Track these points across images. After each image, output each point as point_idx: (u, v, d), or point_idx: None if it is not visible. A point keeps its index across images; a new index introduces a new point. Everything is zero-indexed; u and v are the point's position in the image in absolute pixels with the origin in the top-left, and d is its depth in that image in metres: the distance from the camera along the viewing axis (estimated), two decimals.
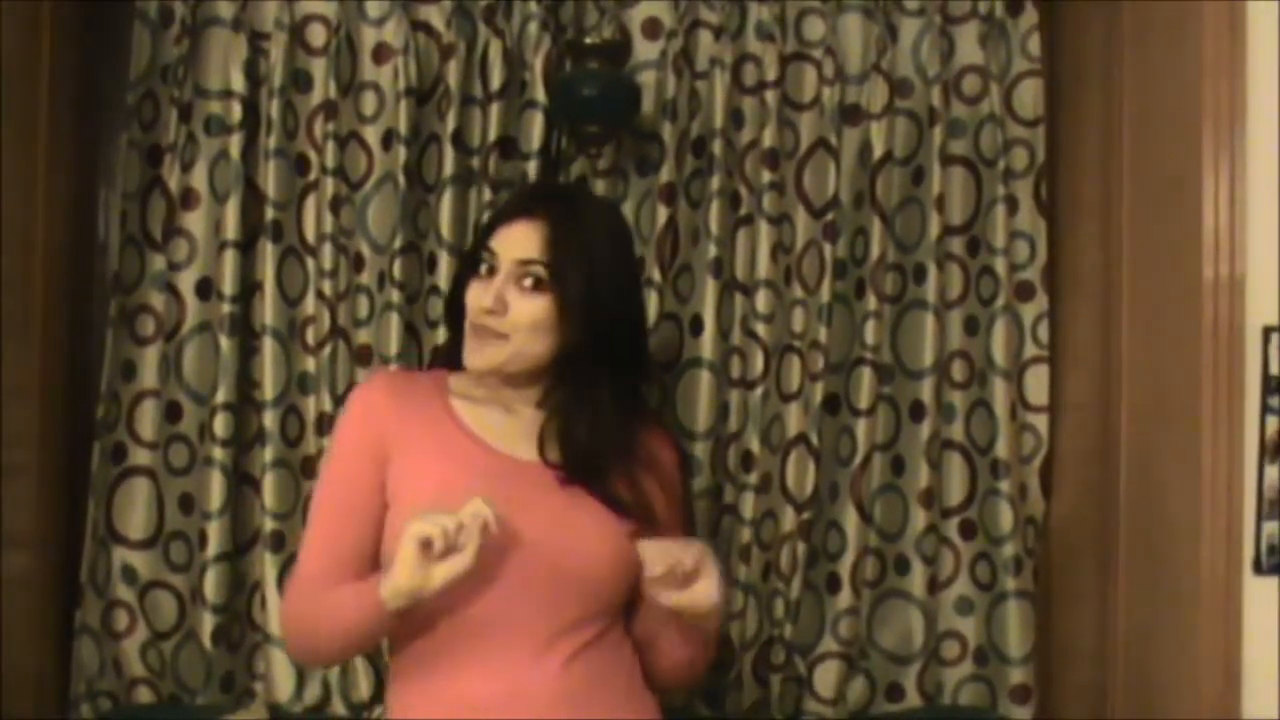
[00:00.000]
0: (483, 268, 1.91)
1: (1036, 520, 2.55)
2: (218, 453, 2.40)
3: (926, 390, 2.51)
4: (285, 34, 2.44)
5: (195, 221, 2.47)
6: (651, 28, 2.53)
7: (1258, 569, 2.03)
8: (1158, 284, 2.22)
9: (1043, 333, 2.55)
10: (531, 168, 2.45)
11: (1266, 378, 2.02)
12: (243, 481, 2.46)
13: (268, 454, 2.42)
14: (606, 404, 1.92)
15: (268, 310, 2.43)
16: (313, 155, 2.47)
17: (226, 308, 2.41)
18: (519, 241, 1.89)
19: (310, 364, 2.46)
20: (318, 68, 2.47)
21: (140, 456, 2.44)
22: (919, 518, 2.51)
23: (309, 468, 2.44)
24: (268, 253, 2.43)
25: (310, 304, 2.46)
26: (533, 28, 2.48)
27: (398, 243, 2.42)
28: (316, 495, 1.97)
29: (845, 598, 2.49)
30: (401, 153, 2.42)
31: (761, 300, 2.47)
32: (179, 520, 2.46)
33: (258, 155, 2.45)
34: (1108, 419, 2.38)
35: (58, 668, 2.42)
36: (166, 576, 2.45)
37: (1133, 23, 2.32)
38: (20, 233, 2.24)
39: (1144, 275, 2.28)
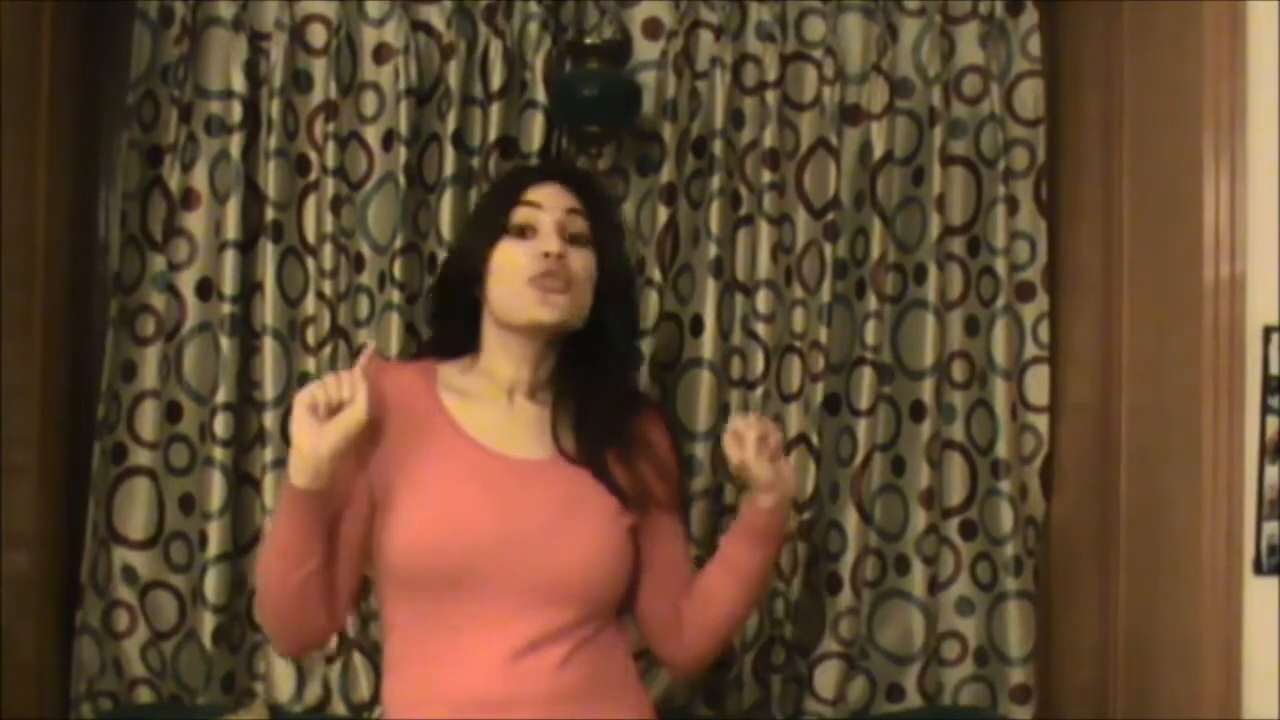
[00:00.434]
0: (520, 227, 1.88)
1: (1037, 520, 2.55)
2: (218, 453, 2.40)
3: (927, 390, 2.51)
4: (286, 34, 2.44)
5: (196, 222, 2.47)
6: (652, 28, 2.54)
7: (1258, 569, 2.03)
8: (1158, 284, 2.22)
9: (1043, 333, 2.55)
10: None
11: (1267, 377, 2.02)
12: (243, 482, 2.46)
13: (268, 454, 2.42)
14: (618, 385, 1.95)
15: (268, 310, 2.44)
16: (313, 155, 2.47)
17: (227, 308, 2.41)
18: (557, 195, 1.90)
19: (311, 364, 2.46)
20: (318, 68, 2.47)
21: (141, 457, 2.44)
22: (919, 518, 2.51)
23: None
24: (268, 253, 2.43)
25: (311, 304, 2.46)
26: (533, 28, 2.48)
27: (398, 243, 2.42)
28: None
29: (846, 598, 2.49)
30: (402, 153, 2.42)
31: (762, 300, 2.47)
32: (179, 520, 2.46)
33: (258, 155, 2.45)
34: (1108, 419, 2.38)
35: (58, 668, 2.42)
36: (167, 577, 2.45)
37: (1133, 23, 2.32)
38: (21, 233, 2.24)
39: (1144, 275, 2.28)
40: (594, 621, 1.86)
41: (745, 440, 1.89)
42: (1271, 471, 2.02)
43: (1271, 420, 2.02)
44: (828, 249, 2.48)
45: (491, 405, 1.92)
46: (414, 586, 1.83)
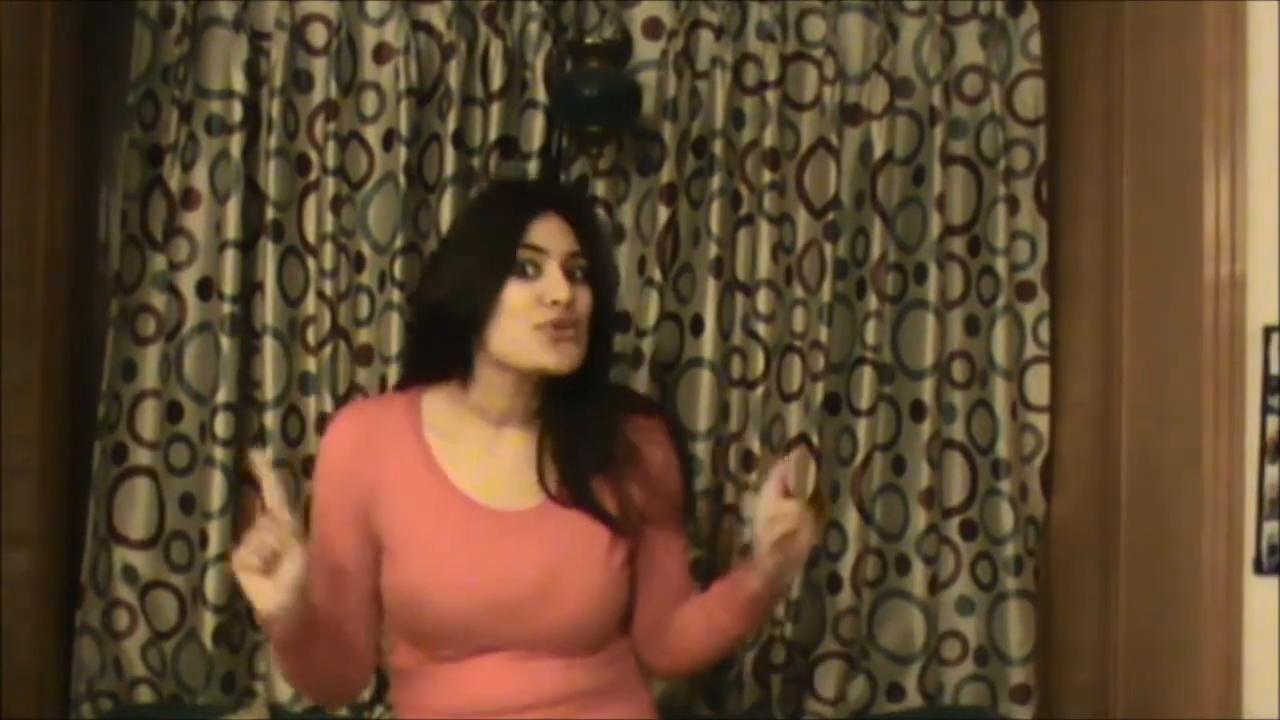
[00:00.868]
0: (528, 268, 1.82)
1: (1037, 520, 2.55)
2: (219, 453, 2.40)
3: (927, 390, 2.51)
4: (286, 34, 2.44)
5: (196, 221, 2.47)
6: (652, 27, 2.53)
7: (1258, 569, 2.03)
8: (1158, 284, 2.22)
9: (1043, 332, 2.55)
10: (532, 168, 2.45)
11: (1267, 377, 2.02)
12: (244, 481, 2.45)
13: (269, 454, 2.42)
14: (605, 408, 1.90)
15: (268, 310, 2.43)
16: (313, 155, 2.47)
17: (227, 307, 2.41)
18: (560, 234, 1.85)
19: (311, 364, 2.46)
20: (318, 67, 2.47)
21: (141, 456, 2.44)
22: (920, 518, 2.51)
23: (310, 468, 2.44)
24: (268, 252, 2.43)
25: (311, 304, 2.46)
26: (533, 27, 2.48)
27: (398, 243, 2.42)
28: (312, 531, 1.91)
29: (846, 597, 2.49)
30: (402, 152, 2.42)
31: (762, 300, 2.47)
32: (180, 520, 2.46)
33: (258, 155, 2.45)
34: (1108, 419, 2.38)
35: (59, 667, 2.42)
36: (167, 576, 2.45)
37: (1134, 22, 2.32)
38: (21, 233, 2.24)
39: (1145, 275, 2.28)
40: (593, 650, 1.87)
41: (773, 526, 1.78)
42: (1272, 471, 2.02)
43: (1272, 420, 2.02)
44: (828, 249, 2.48)
45: (479, 444, 1.89)
46: (414, 636, 1.85)
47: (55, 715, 2.40)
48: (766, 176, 2.48)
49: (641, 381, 2.43)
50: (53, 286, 2.35)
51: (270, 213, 2.43)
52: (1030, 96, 2.55)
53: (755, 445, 2.47)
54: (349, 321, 2.45)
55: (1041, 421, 2.55)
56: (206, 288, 2.46)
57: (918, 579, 2.53)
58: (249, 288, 2.45)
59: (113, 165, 2.52)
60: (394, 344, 2.41)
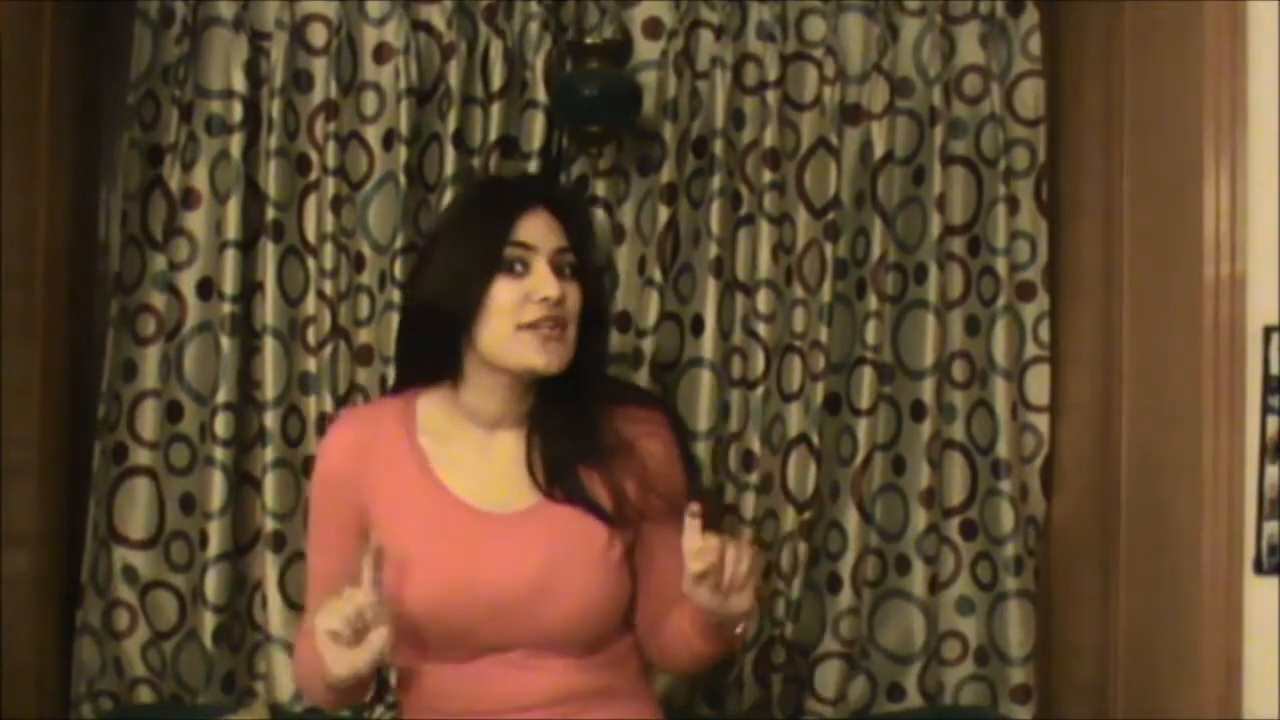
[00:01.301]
0: (516, 265, 1.82)
1: (1037, 520, 2.55)
2: (219, 453, 2.40)
3: (927, 390, 2.51)
4: (286, 34, 2.44)
5: (196, 221, 2.47)
6: (652, 27, 2.53)
7: (1259, 569, 2.03)
8: (1159, 284, 2.22)
9: (1044, 332, 2.55)
10: (532, 168, 2.45)
11: (1267, 377, 2.02)
12: (244, 481, 2.46)
13: (269, 454, 2.42)
14: (591, 407, 1.89)
15: (269, 310, 2.43)
16: (314, 155, 2.47)
17: (227, 307, 2.41)
18: (548, 230, 1.84)
19: (311, 364, 2.46)
20: (318, 67, 2.47)
21: (141, 456, 2.44)
22: (920, 518, 2.51)
23: (310, 468, 2.43)
24: (269, 252, 2.43)
25: (311, 304, 2.46)
26: (533, 27, 2.48)
27: (399, 243, 2.42)
28: (308, 549, 1.97)
29: (846, 597, 2.49)
30: (402, 152, 2.42)
31: (762, 300, 2.47)
32: (180, 520, 2.46)
33: (259, 155, 2.45)
34: (1109, 419, 2.38)
35: (59, 667, 2.42)
36: (167, 576, 2.45)
37: (1134, 22, 2.32)
38: (21, 233, 2.24)
39: (1145, 275, 2.28)
40: (595, 649, 1.87)
41: (693, 562, 1.73)
42: (1272, 471, 2.02)
43: (1272, 420, 2.02)
44: (828, 249, 2.48)
45: (473, 447, 1.89)
46: (416, 639, 1.86)
47: (55, 715, 2.40)
48: (767, 176, 2.48)
49: (641, 381, 2.43)
50: (53, 286, 2.35)
51: (270, 213, 2.43)
52: (1030, 96, 2.55)
53: (755, 445, 2.47)
54: (349, 321, 2.45)
55: (1042, 421, 2.55)
56: (207, 288, 2.46)
57: (918, 579, 2.53)
58: (249, 288, 2.45)
59: (113, 165, 2.52)
60: (394, 344, 2.41)
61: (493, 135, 2.44)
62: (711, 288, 2.46)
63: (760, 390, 2.47)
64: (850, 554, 2.50)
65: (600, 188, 2.50)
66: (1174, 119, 2.16)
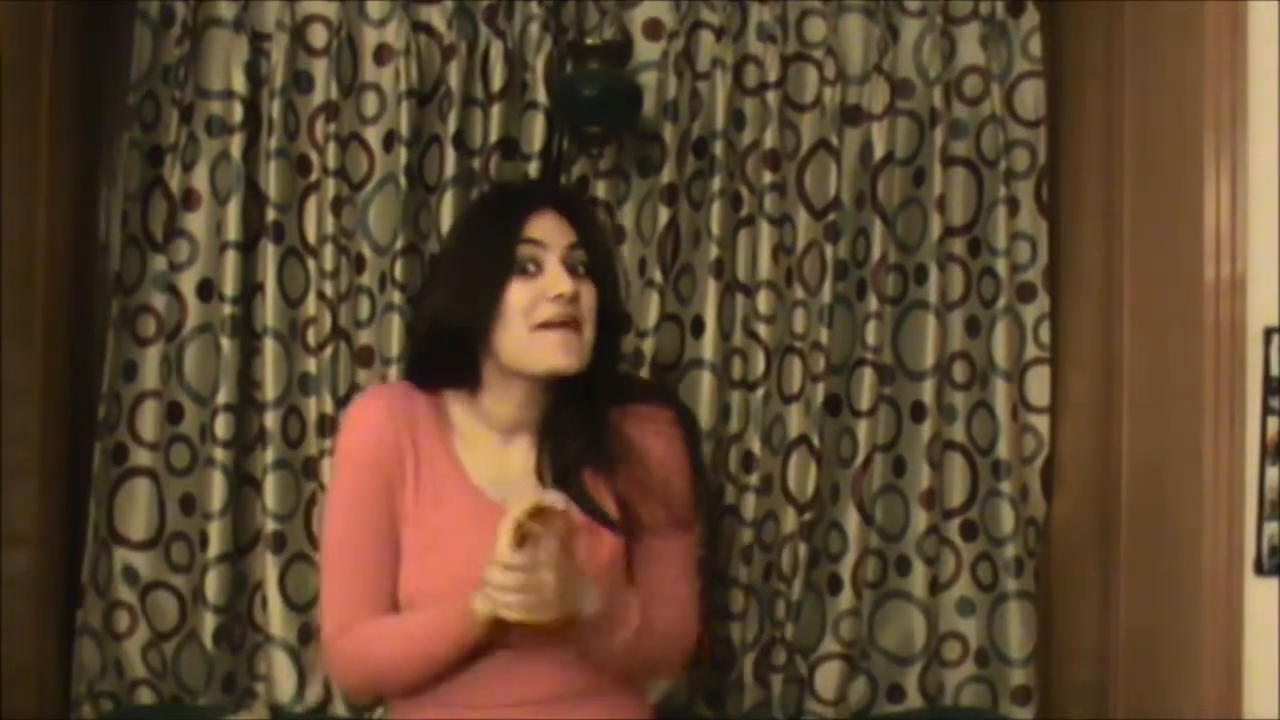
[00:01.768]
0: (529, 265, 1.79)
1: (1038, 521, 2.55)
2: (219, 453, 2.40)
3: (928, 391, 2.51)
4: (286, 35, 2.44)
5: (196, 222, 2.47)
6: (653, 28, 2.53)
7: (1259, 570, 2.02)
8: (1159, 285, 2.22)
9: (1044, 334, 2.55)
10: (533, 169, 2.45)
11: (1268, 378, 2.02)
12: (244, 482, 2.46)
13: (269, 455, 2.42)
14: (599, 408, 1.86)
15: (269, 311, 2.43)
16: (314, 156, 2.47)
17: (228, 309, 2.41)
18: (558, 228, 1.82)
19: (311, 365, 2.46)
20: (319, 68, 2.47)
21: (141, 457, 2.44)
22: (920, 519, 2.51)
23: (310, 469, 2.45)
24: (269, 254, 2.43)
25: (311, 305, 2.46)
26: (534, 29, 2.48)
27: (399, 244, 2.42)
28: (335, 539, 1.86)
29: (846, 599, 2.49)
30: (403, 154, 2.42)
31: (763, 301, 2.47)
32: (180, 521, 2.46)
33: (259, 156, 2.45)
34: (1109, 420, 2.38)
35: (59, 668, 2.42)
36: (168, 577, 2.45)
37: (1134, 23, 2.32)
38: (21, 233, 2.24)
39: (1145, 276, 2.28)
40: (599, 640, 1.85)
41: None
42: (1272, 472, 2.02)
43: (1272, 421, 2.02)
44: (828, 250, 2.48)
45: (490, 448, 1.87)
46: None
47: (55, 716, 2.40)
48: (767, 177, 2.48)
49: None
50: (53, 287, 2.35)
51: (271, 214, 2.43)
52: (1031, 97, 2.55)
53: (756, 446, 2.47)
54: (349, 323, 2.45)
55: (1042, 422, 2.55)
56: (207, 289, 2.46)
57: (918, 580, 2.53)
58: (249, 289, 2.45)
59: (113, 166, 2.52)
60: (394, 345, 2.41)
61: (493, 136, 2.44)
62: (712, 289, 2.46)
63: (760, 391, 2.47)
64: (851, 555, 2.50)
65: (600, 189, 2.50)
66: (1174, 120, 2.15)
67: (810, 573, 2.49)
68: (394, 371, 2.40)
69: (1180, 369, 2.11)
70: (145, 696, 2.45)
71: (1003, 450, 2.52)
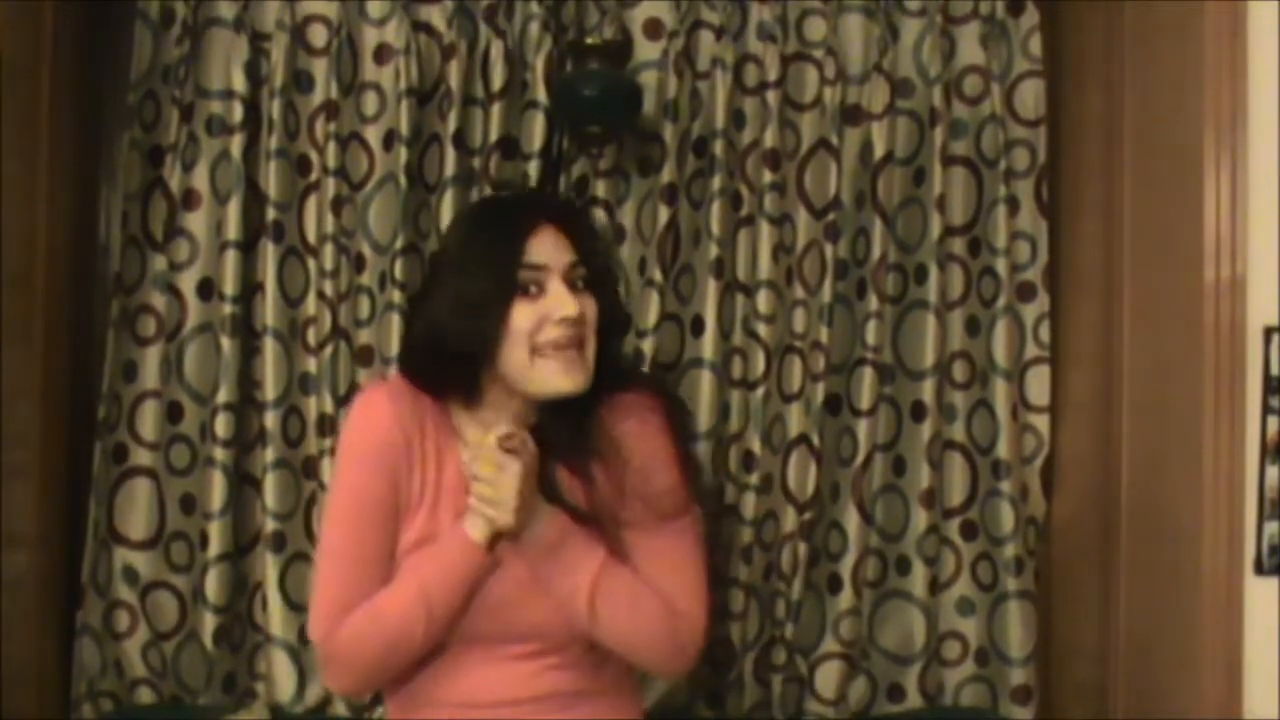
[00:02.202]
0: (531, 288, 1.77)
1: (1038, 521, 2.55)
2: (219, 453, 2.40)
3: (928, 391, 2.51)
4: (286, 34, 2.44)
5: (196, 222, 2.47)
6: (653, 28, 2.53)
7: (1259, 569, 2.02)
8: (1159, 284, 2.22)
9: (1044, 333, 2.55)
10: (533, 168, 2.45)
11: (1268, 378, 2.02)
12: (244, 482, 2.46)
13: (269, 454, 2.42)
14: (590, 412, 1.84)
15: (269, 311, 2.44)
16: (314, 156, 2.47)
17: (228, 308, 2.41)
18: (557, 247, 1.80)
19: (311, 364, 2.46)
20: (319, 68, 2.47)
21: (141, 457, 2.44)
22: (920, 518, 2.51)
23: (310, 468, 2.45)
24: (269, 253, 2.43)
25: (311, 304, 2.46)
26: (534, 28, 2.48)
27: (399, 243, 2.42)
28: (334, 534, 1.84)
29: (846, 598, 2.49)
30: (403, 153, 2.42)
31: (763, 301, 2.47)
32: (180, 521, 2.46)
33: (259, 156, 2.45)
34: (1109, 419, 2.38)
35: (59, 668, 2.42)
36: (168, 577, 2.45)
37: (1134, 23, 2.32)
38: (21, 233, 2.24)
39: (1145, 275, 2.28)
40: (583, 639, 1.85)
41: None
42: (1272, 472, 2.02)
43: (1272, 420, 2.02)
44: (828, 249, 2.48)
45: None
46: None
47: (56, 716, 2.40)
48: (767, 177, 2.48)
49: None
50: (53, 287, 2.35)
51: (271, 213, 2.43)
52: (1030, 97, 2.55)
53: (756, 446, 2.47)
54: (349, 322, 2.45)
55: (1042, 422, 2.56)
56: (207, 288, 2.46)
57: (918, 580, 2.53)
58: (249, 288, 2.45)
59: (113, 166, 2.52)
60: (394, 345, 2.41)
61: (493, 136, 2.44)
62: (712, 288, 2.46)
63: (760, 391, 2.47)
64: (851, 555, 2.50)
65: (600, 188, 2.50)
66: (1174, 120, 2.16)
67: (810, 572, 2.49)
68: (394, 372, 2.39)
69: (1180, 368, 2.11)
70: (145, 696, 2.45)
71: (1003, 450, 2.52)
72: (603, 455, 1.84)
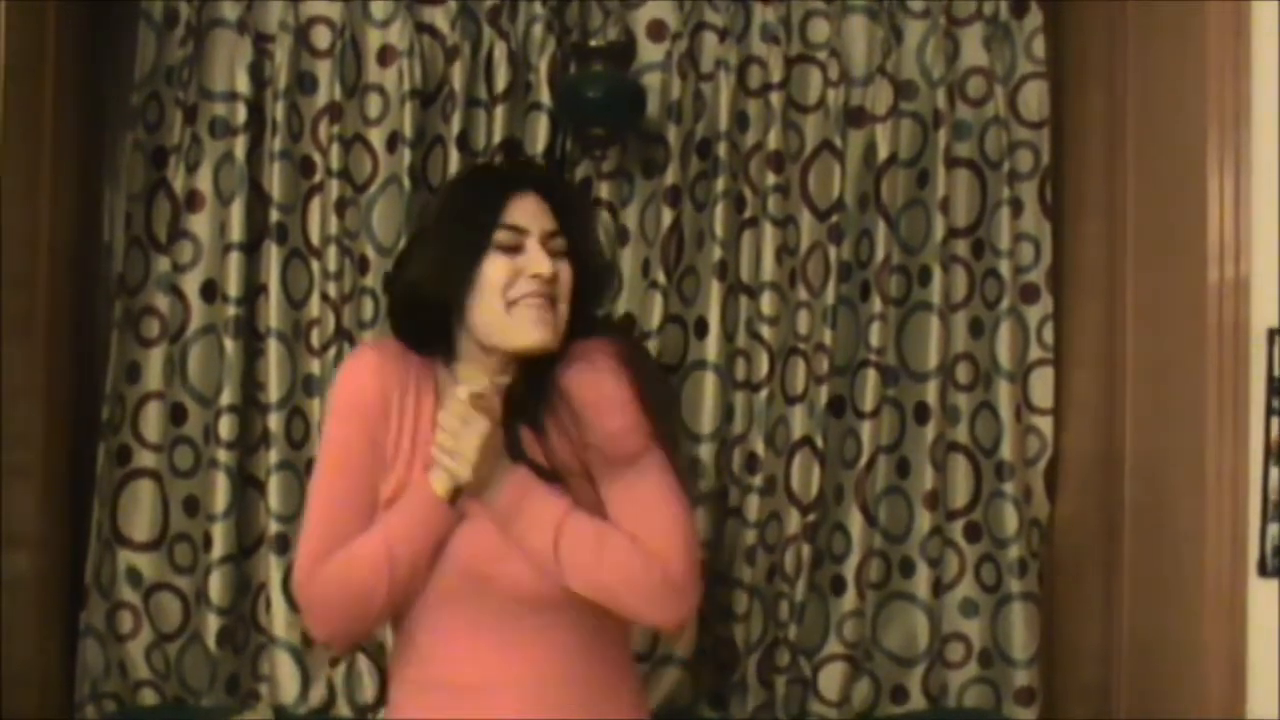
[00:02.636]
0: (503, 245, 1.80)
1: (1041, 522, 2.55)
2: (222, 455, 2.41)
3: (931, 392, 2.51)
4: (290, 36, 2.44)
5: (200, 223, 2.47)
6: (656, 30, 2.54)
7: (1262, 571, 2.02)
8: (1162, 286, 2.22)
9: (1048, 335, 2.55)
10: None
11: (1271, 380, 2.02)
12: (247, 484, 2.46)
13: (272, 456, 2.42)
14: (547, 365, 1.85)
15: (272, 312, 2.44)
16: (317, 157, 2.47)
17: (231, 310, 2.42)
18: (538, 213, 1.83)
19: (315, 366, 2.46)
20: (322, 70, 2.48)
21: (145, 459, 2.45)
22: (924, 520, 2.51)
23: (313, 470, 2.44)
24: (272, 255, 2.44)
25: (315, 306, 2.46)
26: (537, 30, 2.48)
27: (402, 245, 2.42)
28: (319, 490, 1.87)
29: (850, 600, 2.49)
30: (406, 155, 2.42)
31: (766, 302, 2.47)
32: (184, 522, 2.46)
33: (263, 157, 2.45)
34: (1113, 421, 2.38)
35: (62, 669, 2.42)
36: (171, 578, 2.45)
37: (1137, 24, 2.32)
38: (25, 234, 2.24)
39: (1149, 277, 2.28)
40: (583, 608, 1.83)
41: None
42: (1275, 473, 2.02)
43: (1275, 422, 2.02)
44: (832, 251, 2.48)
45: None
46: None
47: (59, 717, 2.40)
48: (770, 179, 2.48)
49: None
50: (56, 288, 2.35)
51: (274, 215, 2.43)
52: (1034, 98, 2.55)
53: (759, 447, 2.47)
54: (353, 324, 2.45)
55: (1045, 424, 2.55)
56: (210, 290, 2.46)
57: (922, 581, 2.53)
58: (253, 290, 2.45)
59: (117, 167, 2.52)
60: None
61: (497, 137, 2.44)
62: (715, 290, 2.46)
63: (764, 392, 2.47)
64: (854, 556, 2.50)
65: (604, 190, 2.50)
66: (1177, 121, 2.16)
67: (814, 574, 2.49)
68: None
69: (1183, 370, 2.11)
70: (148, 698, 2.45)
71: (1006, 451, 2.52)
72: (553, 406, 1.84)
